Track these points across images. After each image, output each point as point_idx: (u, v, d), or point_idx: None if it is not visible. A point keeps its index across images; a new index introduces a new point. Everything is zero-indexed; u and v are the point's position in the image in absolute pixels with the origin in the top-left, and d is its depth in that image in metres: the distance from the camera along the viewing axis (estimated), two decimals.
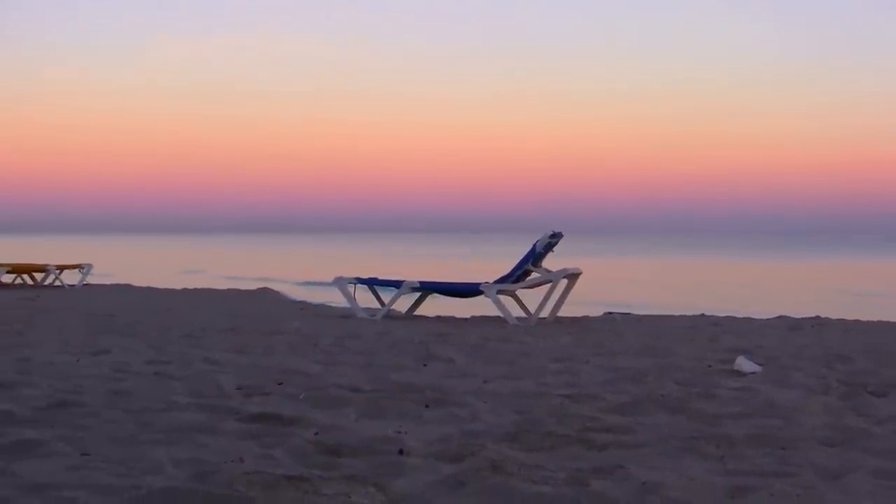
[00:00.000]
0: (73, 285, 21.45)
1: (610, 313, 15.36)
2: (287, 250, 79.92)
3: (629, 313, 15.32)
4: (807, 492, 4.42)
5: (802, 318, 14.03)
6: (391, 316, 14.18)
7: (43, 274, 21.93)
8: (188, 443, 5.22)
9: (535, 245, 13.61)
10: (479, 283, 13.79)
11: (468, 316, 14.55)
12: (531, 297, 14.03)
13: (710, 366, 8.53)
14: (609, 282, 31.81)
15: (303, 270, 36.60)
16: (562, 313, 14.05)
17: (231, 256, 63.76)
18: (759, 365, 8.39)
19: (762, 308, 16.85)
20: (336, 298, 16.47)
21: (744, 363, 8.28)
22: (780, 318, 14.31)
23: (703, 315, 14.95)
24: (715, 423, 5.99)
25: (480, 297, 14.02)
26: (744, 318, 14.30)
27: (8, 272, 21.23)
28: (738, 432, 5.64)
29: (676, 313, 15.44)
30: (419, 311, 14.78)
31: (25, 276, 22.31)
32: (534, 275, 13.73)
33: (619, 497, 4.30)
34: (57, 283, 21.69)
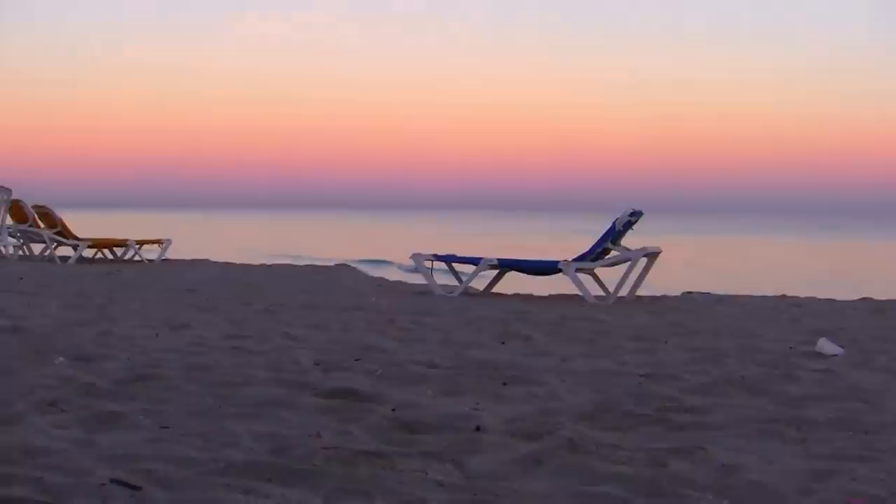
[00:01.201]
0: (152, 260, 21.61)
1: (689, 293, 15.23)
2: (368, 227, 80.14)
3: (709, 293, 15.18)
4: (890, 477, 4.35)
5: (886, 301, 13.83)
6: (469, 293, 14.16)
7: (123, 248, 22.11)
8: (266, 417, 5.24)
9: (614, 223, 13.53)
10: (558, 261, 13.72)
11: (546, 294, 14.49)
12: (610, 276, 13.95)
13: (791, 347, 8.43)
14: (689, 261, 31.61)
15: (379, 248, 36.68)
16: (641, 292, 13.95)
17: (312, 233, 64.05)
18: (842, 347, 8.28)
19: (845, 290, 16.63)
20: (413, 275, 16.47)
21: (826, 345, 8.18)
22: (863, 300, 14.11)
23: (784, 296, 14.79)
24: (796, 405, 5.92)
25: (559, 275, 13.96)
26: (825, 300, 14.12)
27: (89, 247, 21.42)
28: (820, 415, 5.57)
29: (757, 294, 15.28)
30: (497, 289, 14.74)
31: (106, 251, 22.50)
32: (613, 253, 13.64)
33: (698, 479, 4.26)
34: (136, 257, 21.85)
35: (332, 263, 21.94)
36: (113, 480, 3.97)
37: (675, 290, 15.53)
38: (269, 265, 21.49)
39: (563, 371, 6.92)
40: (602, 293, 13.82)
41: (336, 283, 16.50)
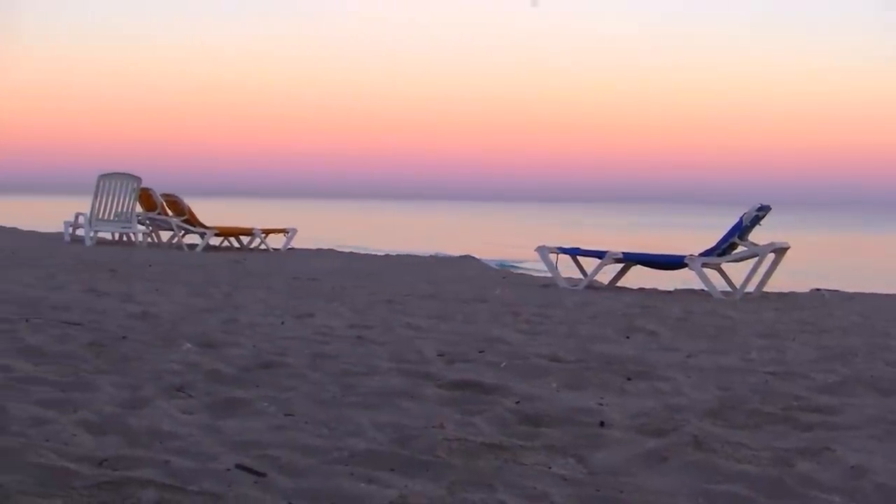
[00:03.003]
0: (277, 249, 21.82)
1: (818, 290, 15.00)
2: (495, 218, 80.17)
3: (838, 290, 14.94)
4: None
5: None
6: (593, 286, 14.09)
7: (249, 237, 22.35)
8: (390, 407, 5.25)
9: (741, 218, 13.37)
10: (684, 256, 13.61)
11: (671, 288, 14.37)
12: (737, 271, 13.79)
13: None
14: (818, 257, 31.13)
15: (505, 240, 36.65)
16: (768, 288, 13.77)
17: (434, 223, 64.25)
18: None
19: None
20: (538, 267, 16.42)
21: None
22: None
23: None
24: None
25: (684, 270, 13.84)
26: None
27: (216, 235, 21.70)
28: None
29: (889, 292, 15.00)
30: (621, 283, 14.65)
31: (232, 239, 22.77)
32: (740, 248, 13.50)
33: (824, 480, 4.18)
34: (262, 246, 22.08)
35: (456, 255, 21.96)
36: (238, 466, 4.00)
37: (804, 287, 15.30)
38: (393, 255, 21.58)
39: (688, 367, 6.85)
40: (728, 289, 13.67)
41: (460, 274, 16.52)
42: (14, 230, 27.56)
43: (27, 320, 7.97)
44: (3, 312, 8.39)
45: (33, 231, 27.16)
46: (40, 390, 5.38)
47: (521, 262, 22.09)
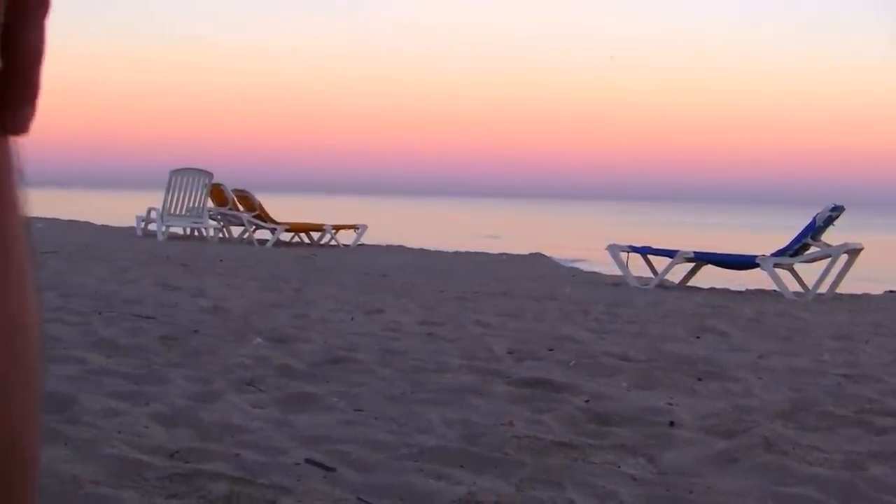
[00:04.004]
0: (347, 245, 21.89)
1: (893, 291, 14.85)
2: (565, 216, 80.00)
3: None
4: None
5: None
6: (664, 285, 14.03)
7: (319, 233, 22.44)
8: (459, 404, 5.25)
9: (814, 218, 13.28)
10: (756, 256, 13.53)
11: (742, 289, 14.28)
12: (809, 272, 13.68)
13: None
14: (893, 259, 30.79)
15: (575, 238, 36.56)
16: (841, 290, 13.65)
17: (510, 220, 64.20)
18: None
19: None
20: (608, 266, 16.36)
21: None
22: None
23: None
24: None
25: (756, 270, 13.75)
26: None
27: (286, 230, 21.81)
28: None
29: None
30: (692, 282, 14.58)
31: (303, 235, 22.88)
32: (813, 249, 13.40)
33: None
34: (332, 242, 22.17)
35: (526, 252, 21.93)
36: (307, 460, 4.02)
37: (877, 289, 15.16)
38: (463, 252, 21.59)
39: (759, 368, 6.80)
40: (800, 289, 13.56)
41: (530, 271, 16.50)
42: (87, 224, 27.83)
43: (100, 313, 8.05)
44: (77, 306, 8.48)
45: (106, 225, 27.42)
46: (113, 382, 5.44)
47: (577, 260, 21.95)
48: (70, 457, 3.93)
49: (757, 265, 13.47)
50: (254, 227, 21.63)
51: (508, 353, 7.00)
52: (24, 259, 0.90)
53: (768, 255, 13.48)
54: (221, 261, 15.25)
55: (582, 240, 32.45)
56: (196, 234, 22.35)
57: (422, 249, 22.25)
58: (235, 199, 22.02)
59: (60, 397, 4.78)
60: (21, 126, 0.89)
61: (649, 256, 14.43)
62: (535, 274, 16.00)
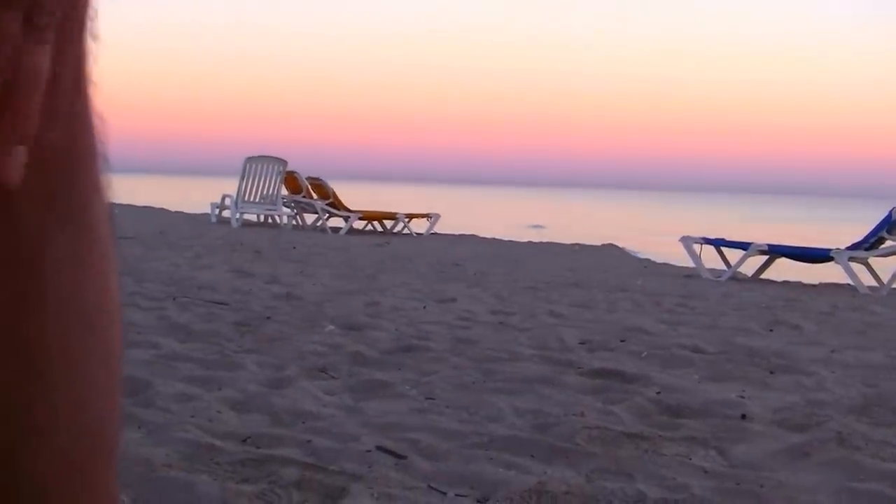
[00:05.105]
0: (420, 234, 21.93)
1: None
2: (636, 207, 79.64)
3: None
4: None
5: None
6: (736, 278, 13.95)
7: (392, 221, 22.51)
8: (530, 394, 5.26)
9: (890, 212, 13.14)
10: (830, 249, 13.42)
11: (816, 282, 14.16)
12: (885, 266, 13.54)
13: None
14: None
15: (649, 229, 36.39)
16: None
17: (578, 211, 64.02)
18: None
19: None
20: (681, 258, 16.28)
21: None
22: None
23: None
24: None
25: (830, 264, 13.64)
26: None
27: (360, 218, 21.89)
28: None
29: None
30: (765, 275, 14.48)
31: (376, 223, 22.96)
32: (888, 243, 13.27)
33: None
34: (405, 230, 22.22)
35: (598, 243, 21.87)
36: (379, 448, 4.04)
37: None
38: (536, 242, 21.57)
39: (832, 362, 6.75)
40: (875, 284, 13.43)
41: (602, 262, 16.46)
42: (162, 211, 28.07)
43: (175, 299, 8.13)
44: (152, 291, 8.57)
45: (181, 212, 27.65)
46: (186, 367, 5.49)
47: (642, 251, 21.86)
48: (144, 440, 3.97)
49: (831, 259, 13.37)
50: (327, 214, 21.74)
51: (580, 343, 7.00)
52: (107, 243, 0.92)
53: (843, 248, 13.37)
54: (295, 248, 15.33)
55: (655, 232, 32.29)
56: (270, 221, 22.49)
57: (494, 239, 22.25)
58: (309, 186, 22.13)
59: (135, 381, 4.83)
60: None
61: (722, 249, 14.36)
62: (607, 265, 15.96)
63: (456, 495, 3.59)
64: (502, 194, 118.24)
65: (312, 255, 14.22)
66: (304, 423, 4.45)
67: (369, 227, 22.97)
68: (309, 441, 4.08)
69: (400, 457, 3.95)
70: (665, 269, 15.87)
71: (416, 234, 21.94)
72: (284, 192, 22.07)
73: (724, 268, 14.17)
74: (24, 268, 0.86)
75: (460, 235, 22.87)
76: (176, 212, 27.72)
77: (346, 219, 21.47)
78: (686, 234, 14.51)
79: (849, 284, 13.32)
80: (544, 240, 22.69)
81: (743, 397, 5.44)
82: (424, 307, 8.59)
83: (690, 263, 14.63)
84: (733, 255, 14.12)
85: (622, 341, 7.12)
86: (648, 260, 18.55)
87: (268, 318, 7.38)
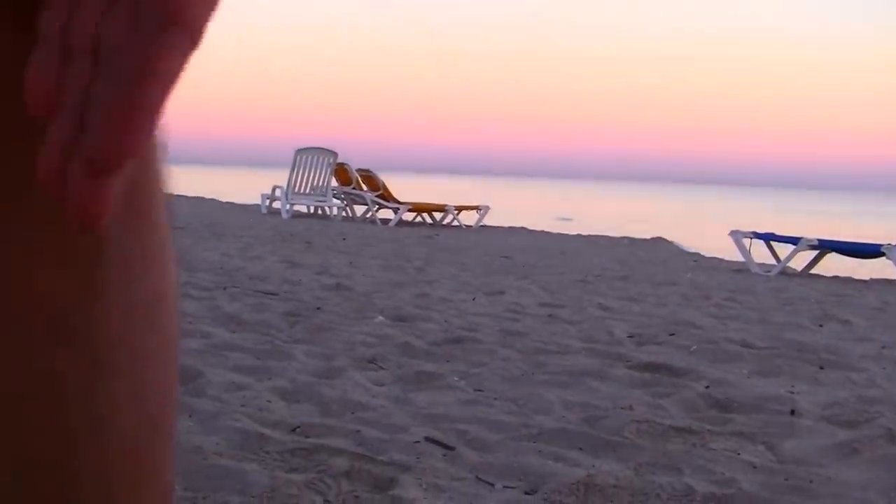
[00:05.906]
0: (469, 226, 21.94)
1: None
2: (686, 202, 79.31)
3: None
4: None
5: None
6: (786, 273, 13.89)
7: (442, 213, 22.53)
8: (579, 386, 5.26)
9: None
10: (881, 245, 13.33)
11: (867, 278, 14.07)
12: None
13: None
14: None
15: (699, 224, 36.23)
16: None
17: (628, 205, 63.82)
18: None
19: None
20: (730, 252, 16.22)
21: None
22: None
23: None
24: None
25: (881, 259, 13.55)
26: None
27: (409, 210, 21.92)
28: None
29: None
30: (815, 270, 14.41)
31: (425, 215, 22.98)
32: None
33: None
34: (455, 222, 22.23)
35: (648, 237, 21.81)
36: (427, 439, 4.05)
37: None
38: (585, 236, 21.53)
39: (883, 358, 6.71)
40: None
41: (651, 256, 16.42)
42: (213, 201, 28.20)
43: (225, 289, 8.17)
44: (203, 281, 8.62)
45: (231, 202, 27.78)
46: (237, 357, 5.52)
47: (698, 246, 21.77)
48: (195, 428, 4.00)
49: (882, 254, 13.28)
50: (377, 206, 21.78)
51: (629, 336, 6.99)
52: (165, 233, 0.93)
53: (894, 243, 13.28)
54: (345, 239, 15.38)
55: (705, 226, 32.14)
56: (320, 212, 22.57)
57: (544, 232, 22.23)
58: (360, 178, 22.18)
59: (186, 370, 4.87)
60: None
61: (772, 243, 14.30)
62: (656, 258, 15.92)
63: (504, 487, 3.60)
64: (552, 187, 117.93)
65: (362, 246, 14.26)
66: (353, 413, 4.48)
67: (419, 218, 22.99)
68: (358, 431, 4.10)
69: (448, 448, 3.97)
70: (714, 264, 15.81)
71: (466, 226, 21.94)
72: (335, 183, 22.13)
73: (774, 262, 14.10)
74: (93, 255, 0.87)
75: (510, 228, 22.88)
76: (226, 202, 27.84)
77: (396, 210, 21.51)
78: (736, 229, 14.45)
79: None
80: (593, 233, 22.64)
81: (792, 392, 5.42)
82: (473, 299, 8.61)
83: (740, 258, 14.57)
84: (783, 249, 14.06)
85: (671, 335, 7.10)
86: (698, 254, 18.48)
87: (317, 308, 7.41)
